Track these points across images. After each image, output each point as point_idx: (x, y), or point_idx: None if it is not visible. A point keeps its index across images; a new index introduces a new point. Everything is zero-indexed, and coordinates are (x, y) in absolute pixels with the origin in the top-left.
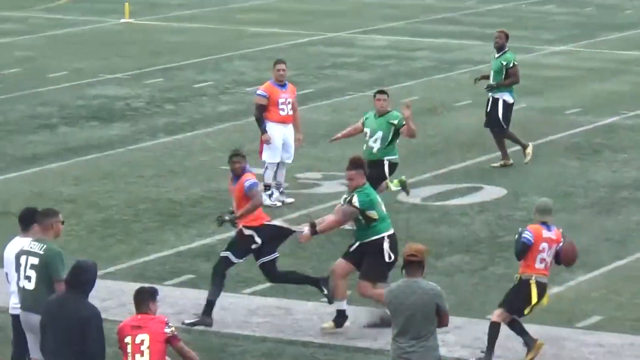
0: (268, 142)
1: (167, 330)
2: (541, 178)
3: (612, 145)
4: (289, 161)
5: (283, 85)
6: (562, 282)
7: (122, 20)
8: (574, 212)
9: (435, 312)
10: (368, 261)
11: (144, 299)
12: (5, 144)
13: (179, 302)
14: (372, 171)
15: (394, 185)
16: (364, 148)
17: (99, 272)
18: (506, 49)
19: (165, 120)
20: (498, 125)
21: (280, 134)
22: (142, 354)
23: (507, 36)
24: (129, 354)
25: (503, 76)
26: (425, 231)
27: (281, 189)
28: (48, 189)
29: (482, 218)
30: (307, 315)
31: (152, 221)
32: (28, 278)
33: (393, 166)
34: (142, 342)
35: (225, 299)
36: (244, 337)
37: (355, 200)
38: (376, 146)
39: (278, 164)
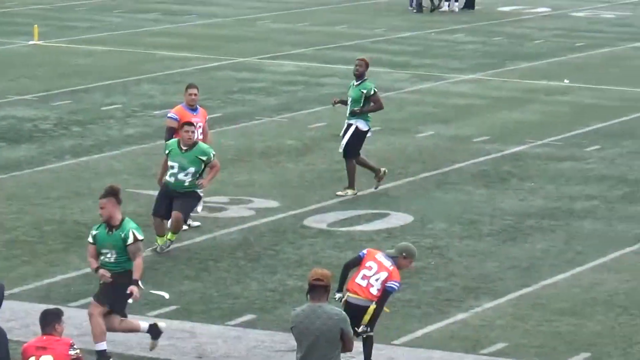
0: None
1: (72, 352)
2: (448, 205)
3: (519, 173)
4: None
5: (194, 109)
6: (467, 308)
7: (31, 42)
8: (479, 240)
9: (340, 336)
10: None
11: (50, 321)
12: None
13: (83, 323)
14: (183, 198)
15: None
16: (172, 180)
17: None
18: (365, 78)
19: (72, 142)
20: (347, 152)
21: None
22: None
23: (367, 65)
24: None
25: (362, 104)
26: (331, 256)
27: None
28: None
29: (389, 244)
30: (212, 338)
31: (57, 243)
32: None
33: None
34: None
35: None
36: None
37: (136, 232)
38: (187, 180)
39: None
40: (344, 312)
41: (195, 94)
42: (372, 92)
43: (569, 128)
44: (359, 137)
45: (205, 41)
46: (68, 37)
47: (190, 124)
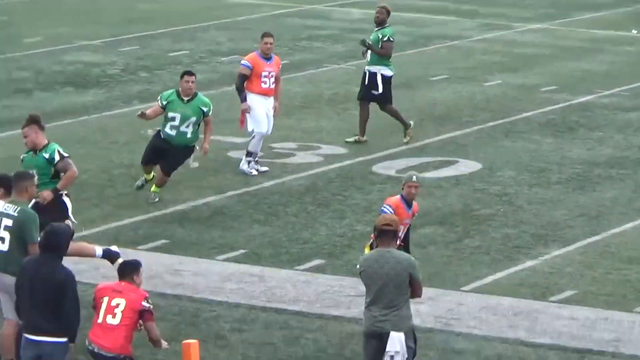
0: (247, 111)
1: (145, 303)
2: (516, 153)
3: (587, 123)
4: (268, 133)
5: (268, 58)
6: (536, 256)
7: None
8: (548, 188)
9: (408, 282)
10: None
11: (129, 271)
12: None
13: (152, 267)
14: (180, 154)
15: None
16: (173, 133)
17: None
18: (386, 25)
19: (140, 87)
20: (378, 99)
21: (262, 105)
22: (113, 316)
23: (388, 12)
24: (101, 312)
25: (380, 46)
26: None
27: (256, 157)
28: (22, 153)
29: (457, 191)
30: (281, 282)
31: (126, 186)
32: (2, 239)
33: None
34: (117, 305)
35: (199, 265)
36: (217, 303)
37: (61, 150)
38: (189, 131)
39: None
40: (413, 258)
41: (271, 43)
42: (386, 38)
43: (636, 78)
44: (387, 83)
45: None
46: None
47: (191, 73)
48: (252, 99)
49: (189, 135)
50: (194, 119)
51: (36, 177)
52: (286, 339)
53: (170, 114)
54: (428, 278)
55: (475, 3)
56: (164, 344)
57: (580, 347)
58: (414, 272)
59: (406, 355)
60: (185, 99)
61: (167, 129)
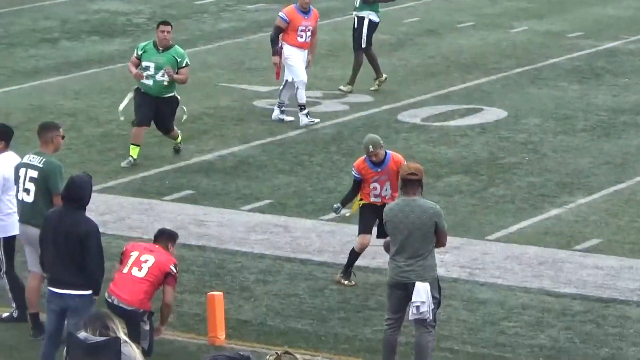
0: (277, 64)
1: (173, 267)
2: (541, 100)
3: (613, 69)
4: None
5: (307, 12)
6: (561, 204)
7: None
8: (573, 135)
9: (433, 231)
10: None
11: (165, 239)
12: (6, 57)
13: (177, 217)
14: (166, 108)
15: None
16: (150, 83)
17: (98, 187)
18: None
19: None
20: (359, 44)
21: (299, 55)
22: (140, 269)
23: None
24: (128, 264)
25: None
26: (425, 151)
27: (283, 107)
28: (48, 103)
29: (482, 139)
30: (306, 233)
31: (151, 137)
32: (27, 191)
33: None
34: (146, 260)
35: (223, 215)
36: (242, 254)
37: None
38: (166, 79)
39: (286, 83)
40: (438, 206)
41: None
42: None
43: None
44: (372, 29)
45: None
46: None
47: (167, 23)
48: (289, 50)
49: (165, 84)
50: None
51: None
52: (311, 290)
53: (145, 63)
54: (453, 227)
55: None
56: (161, 329)
57: (604, 297)
58: (440, 221)
59: (432, 306)
60: (161, 49)
61: (144, 80)
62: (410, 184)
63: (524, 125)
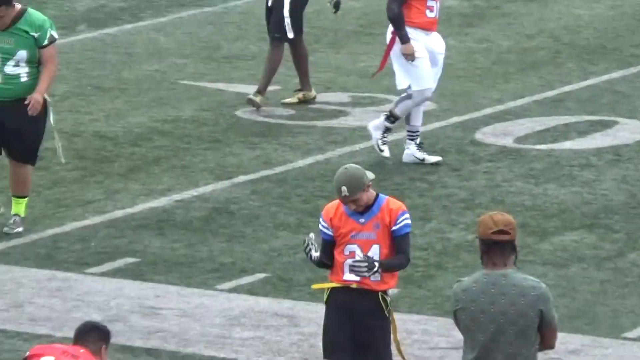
0: (411, 55)
1: None
2: None
3: None
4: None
5: None
6: None
7: None
8: None
9: (537, 325)
10: None
11: (94, 340)
12: None
13: (112, 302)
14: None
15: None
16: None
17: None
18: None
19: None
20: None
21: (424, 46)
22: None
23: None
24: None
25: None
26: (521, 192)
27: (418, 139)
28: None
29: (616, 172)
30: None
31: None
32: None
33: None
34: None
35: (188, 299)
36: None
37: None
38: (23, 72)
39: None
40: (544, 285)
41: None
42: None
43: None
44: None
45: None
46: None
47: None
48: (410, 35)
49: (25, 79)
50: (23, 52)
51: None
52: None
53: None
54: (568, 318)
55: None
56: None
57: None
58: (547, 309)
59: None
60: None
61: None
62: (498, 248)
63: None
